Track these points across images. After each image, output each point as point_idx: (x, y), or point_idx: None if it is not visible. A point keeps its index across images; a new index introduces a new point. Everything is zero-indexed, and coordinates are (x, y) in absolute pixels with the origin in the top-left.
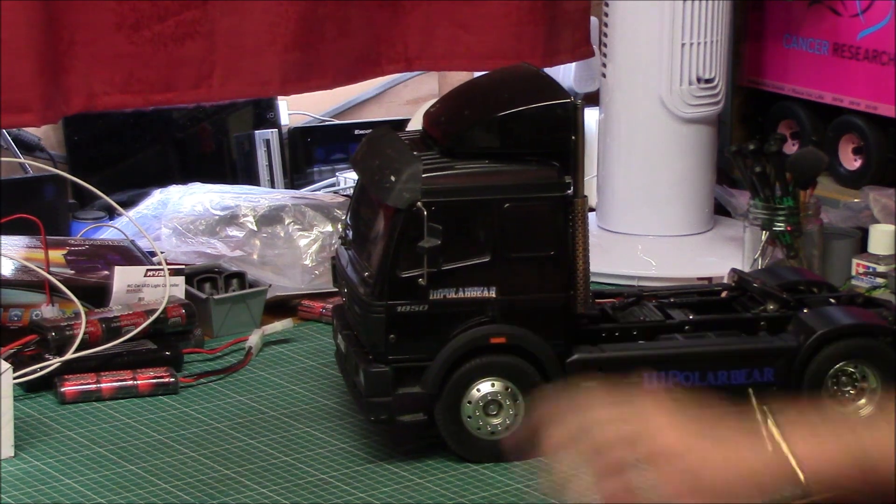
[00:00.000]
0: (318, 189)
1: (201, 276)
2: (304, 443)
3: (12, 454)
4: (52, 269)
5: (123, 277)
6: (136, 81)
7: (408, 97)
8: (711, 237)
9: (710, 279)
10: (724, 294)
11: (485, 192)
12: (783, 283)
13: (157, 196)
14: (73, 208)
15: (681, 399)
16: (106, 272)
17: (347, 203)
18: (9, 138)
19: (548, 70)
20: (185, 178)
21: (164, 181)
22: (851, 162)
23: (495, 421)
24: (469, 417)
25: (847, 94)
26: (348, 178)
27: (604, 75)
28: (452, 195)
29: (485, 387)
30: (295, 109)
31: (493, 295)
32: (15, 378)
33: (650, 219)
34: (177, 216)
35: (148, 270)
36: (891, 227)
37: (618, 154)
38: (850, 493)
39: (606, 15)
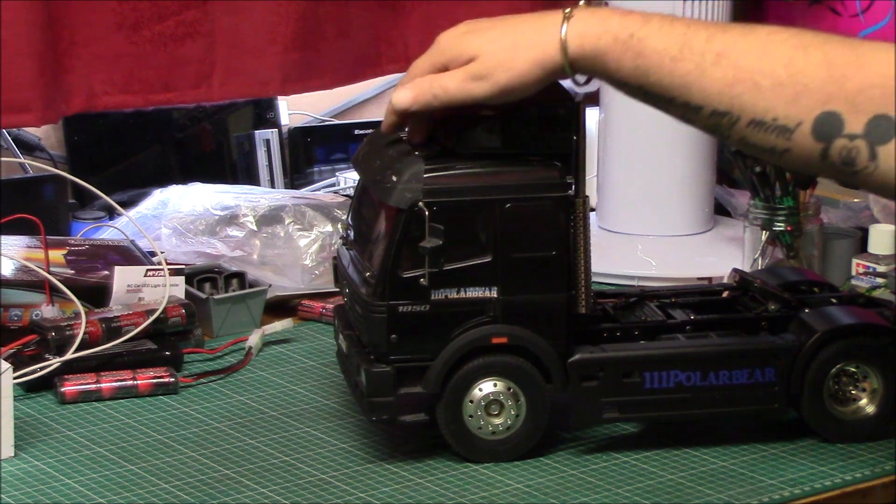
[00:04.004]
0: (318, 189)
1: (201, 276)
2: (304, 443)
3: (12, 454)
4: (52, 269)
5: (123, 277)
6: (136, 81)
7: None
8: (711, 237)
9: (710, 279)
10: (725, 294)
11: (486, 192)
12: (784, 283)
13: (157, 196)
14: (73, 208)
15: None
16: (106, 272)
17: (347, 203)
18: (9, 138)
19: None
20: (185, 178)
21: (164, 181)
22: None
23: (497, 421)
24: (470, 417)
25: None
26: (348, 178)
27: None
28: (454, 195)
29: (487, 387)
30: (295, 109)
31: (495, 295)
32: (15, 378)
33: (650, 219)
34: (177, 216)
35: (148, 270)
36: (891, 227)
37: (618, 154)
38: None
39: None
